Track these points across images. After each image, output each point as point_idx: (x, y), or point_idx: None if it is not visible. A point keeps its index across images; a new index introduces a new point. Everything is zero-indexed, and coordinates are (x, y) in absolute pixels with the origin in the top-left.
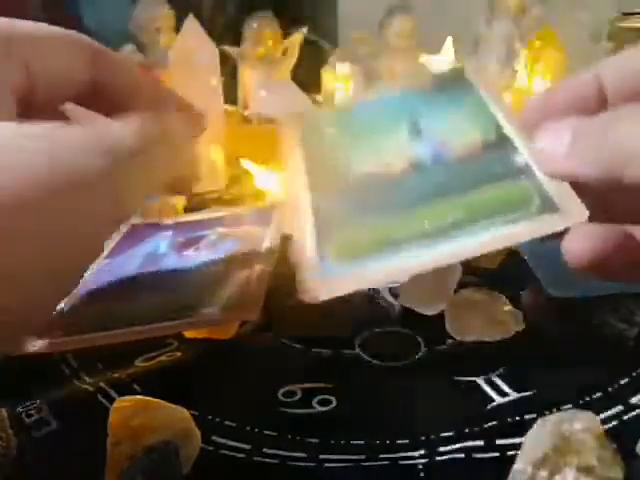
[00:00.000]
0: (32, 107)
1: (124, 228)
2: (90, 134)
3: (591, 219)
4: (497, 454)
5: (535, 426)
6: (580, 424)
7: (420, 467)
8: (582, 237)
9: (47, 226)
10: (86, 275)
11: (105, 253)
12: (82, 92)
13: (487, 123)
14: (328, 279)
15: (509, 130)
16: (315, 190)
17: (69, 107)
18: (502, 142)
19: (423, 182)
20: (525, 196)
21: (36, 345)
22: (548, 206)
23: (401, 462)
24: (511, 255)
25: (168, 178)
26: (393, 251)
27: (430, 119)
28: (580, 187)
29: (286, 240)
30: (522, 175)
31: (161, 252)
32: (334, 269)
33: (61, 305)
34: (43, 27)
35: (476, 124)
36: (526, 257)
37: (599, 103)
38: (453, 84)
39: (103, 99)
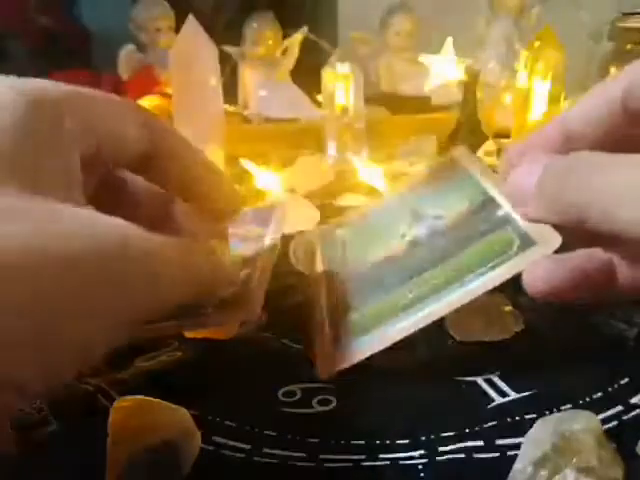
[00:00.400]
0: (91, 171)
1: None
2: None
3: (574, 245)
4: (497, 454)
5: (535, 426)
6: (580, 424)
7: (420, 467)
8: (540, 269)
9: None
10: None
11: None
12: (136, 159)
13: (474, 192)
14: (341, 353)
15: (493, 192)
16: (330, 285)
17: (129, 176)
18: (487, 203)
19: (420, 256)
20: (507, 242)
21: None
22: (526, 243)
23: (401, 462)
24: None
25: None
26: (396, 318)
27: (428, 204)
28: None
29: (286, 240)
30: (505, 225)
31: None
32: (346, 345)
33: None
34: (100, 94)
35: (465, 196)
36: None
37: (568, 149)
38: (448, 171)
39: (152, 167)
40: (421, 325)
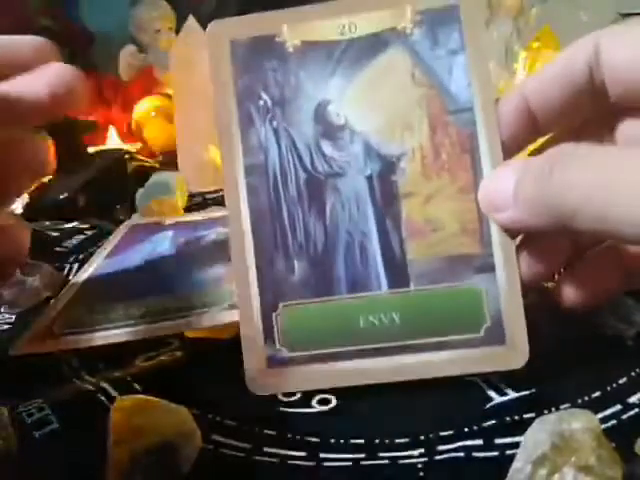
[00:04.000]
0: None
1: (124, 228)
2: None
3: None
4: (496, 453)
5: (534, 425)
6: (579, 423)
7: (419, 466)
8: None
9: None
10: (86, 274)
11: (105, 253)
12: None
13: None
14: (277, 372)
15: None
16: None
17: None
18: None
19: None
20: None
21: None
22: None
23: (401, 461)
24: None
25: None
26: (346, 352)
27: None
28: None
29: None
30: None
31: (161, 252)
32: (280, 359)
33: (60, 304)
34: None
35: None
36: None
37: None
38: None
39: None
40: (369, 381)
